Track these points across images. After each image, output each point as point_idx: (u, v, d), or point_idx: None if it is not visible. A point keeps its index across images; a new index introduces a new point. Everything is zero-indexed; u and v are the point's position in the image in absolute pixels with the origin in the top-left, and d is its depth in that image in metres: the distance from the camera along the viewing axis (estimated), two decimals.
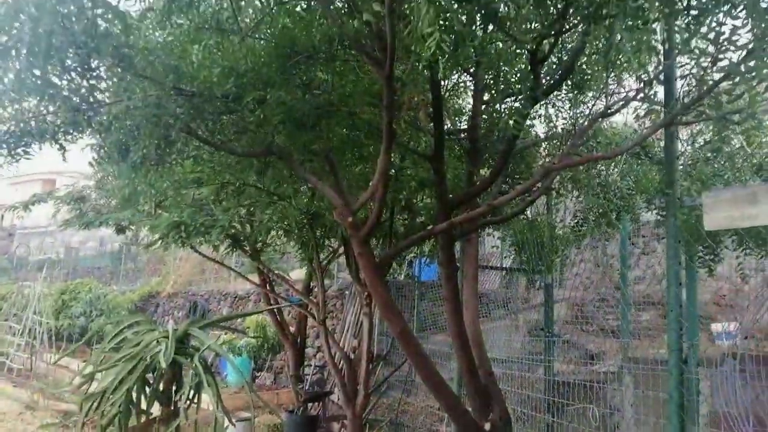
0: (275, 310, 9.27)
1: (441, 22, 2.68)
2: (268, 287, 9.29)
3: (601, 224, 5.92)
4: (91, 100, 3.39)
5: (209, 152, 4.71)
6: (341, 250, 8.37)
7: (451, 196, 4.58)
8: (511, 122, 3.69)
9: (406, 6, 2.90)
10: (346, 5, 3.40)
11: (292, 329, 9.78)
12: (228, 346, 12.11)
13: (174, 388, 6.62)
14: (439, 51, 2.65)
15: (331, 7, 3.50)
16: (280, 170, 5.01)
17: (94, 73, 3.27)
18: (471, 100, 6.03)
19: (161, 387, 6.53)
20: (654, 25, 2.54)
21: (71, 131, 3.73)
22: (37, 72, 2.96)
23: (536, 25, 3.22)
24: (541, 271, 6.74)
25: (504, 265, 9.97)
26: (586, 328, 9.29)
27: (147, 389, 6.36)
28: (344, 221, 3.97)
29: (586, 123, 4.31)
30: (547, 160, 5.80)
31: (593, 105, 4.64)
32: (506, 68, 4.67)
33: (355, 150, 5.50)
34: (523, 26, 3.13)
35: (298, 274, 12.87)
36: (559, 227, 6.56)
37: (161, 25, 3.54)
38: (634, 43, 2.30)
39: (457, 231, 4.48)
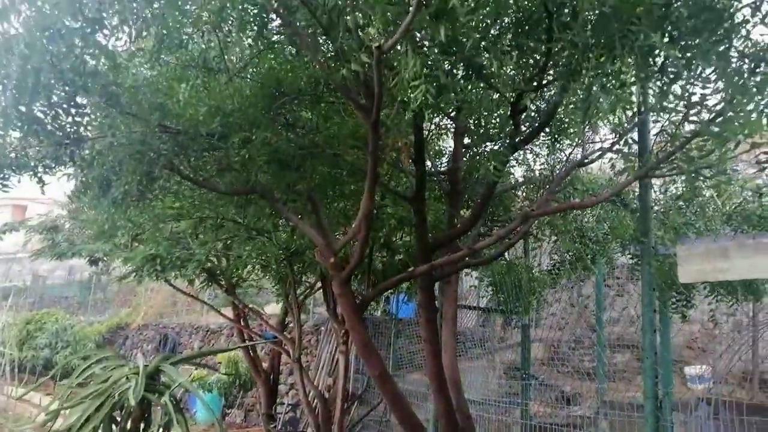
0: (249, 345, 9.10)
1: (426, 72, 2.77)
2: (242, 322, 9.14)
3: (577, 267, 6.02)
4: (75, 135, 3.38)
5: (190, 187, 4.70)
6: (318, 285, 8.32)
7: (431, 237, 4.62)
8: (491, 168, 3.78)
9: (392, 55, 2.98)
10: (333, 52, 3.48)
11: (265, 365, 9.60)
12: (199, 383, 11.79)
13: (142, 426, 6.41)
14: (424, 101, 2.74)
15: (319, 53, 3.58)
16: (261, 207, 5.01)
17: (80, 110, 3.26)
18: (451, 143, 6.17)
19: (129, 425, 6.31)
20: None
21: (53, 165, 3.70)
22: (23, 108, 2.95)
23: (517, 78, 3.34)
24: (518, 312, 6.79)
25: (481, 305, 10.00)
26: (561, 369, 9.32)
27: (114, 427, 6.14)
28: (326, 262, 3.97)
29: (563, 169, 4.43)
30: (525, 203, 5.92)
31: (570, 152, 4.78)
32: (487, 114, 4.80)
33: (336, 187, 5.54)
34: (504, 78, 3.24)
35: (273, 308, 12.70)
36: (536, 269, 6.65)
37: (150, 64, 3.57)
38: (610, 102, 2.40)
39: (437, 273, 4.51)
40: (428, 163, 6.30)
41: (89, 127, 3.57)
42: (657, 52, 2.45)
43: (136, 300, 19.00)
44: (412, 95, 2.75)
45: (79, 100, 3.26)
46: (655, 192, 4.66)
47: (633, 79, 2.31)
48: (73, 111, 3.24)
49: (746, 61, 2.90)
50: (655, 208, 4.71)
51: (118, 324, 18.34)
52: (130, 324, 18.01)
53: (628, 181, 3.39)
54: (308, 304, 12.29)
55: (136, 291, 18.98)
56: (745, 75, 2.72)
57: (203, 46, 4.22)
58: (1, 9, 2.58)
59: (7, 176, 3.71)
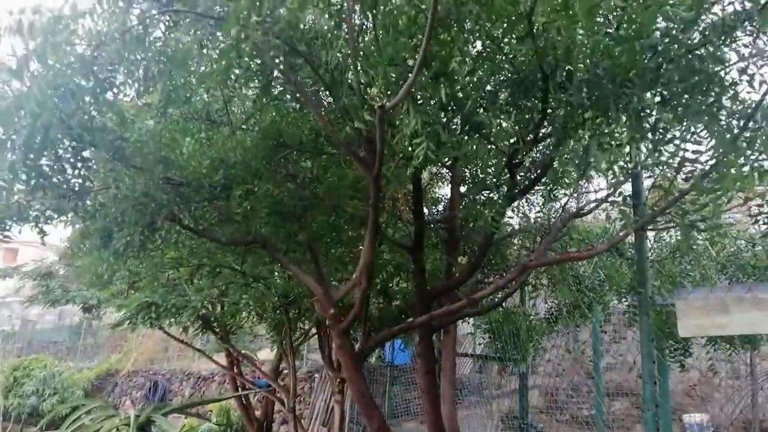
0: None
1: (426, 130, 2.86)
2: (235, 369, 8.99)
3: (574, 315, 6.03)
4: (79, 188, 3.42)
5: (190, 237, 4.72)
6: (314, 331, 8.25)
7: (429, 287, 4.64)
8: (488, 219, 3.84)
9: (393, 113, 3.08)
10: (335, 108, 3.58)
11: (257, 413, 9.39)
12: None
13: None
14: (426, 157, 2.82)
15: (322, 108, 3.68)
16: (260, 256, 5.03)
17: (86, 164, 3.32)
18: (448, 190, 6.26)
19: None
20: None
21: (55, 216, 3.72)
22: (30, 162, 3.00)
23: (513, 133, 3.43)
24: (515, 360, 6.74)
25: (477, 351, 9.92)
26: (560, 417, 9.17)
27: None
28: (325, 313, 3.97)
29: (559, 220, 4.49)
30: (522, 252, 5.97)
31: (566, 202, 4.86)
32: (483, 164, 4.91)
33: (335, 234, 5.58)
34: (501, 133, 3.33)
35: (266, 353, 12.51)
36: (533, 316, 6.64)
37: (156, 119, 3.65)
38: (606, 162, 2.48)
39: (436, 323, 4.51)
40: (425, 210, 6.38)
41: (94, 180, 3.61)
42: (650, 112, 2.54)
43: (126, 345, 18.68)
44: (414, 152, 2.83)
45: (85, 154, 3.32)
46: (650, 241, 4.73)
47: (627, 138, 2.40)
48: (79, 165, 3.29)
49: (736, 118, 3.02)
50: (651, 256, 4.77)
51: (108, 370, 17.97)
52: (120, 370, 17.64)
53: (623, 236, 3.45)
54: (302, 349, 12.13)
55: (127, 336, 18.67)
56: (735, 133, 2.83)
57: (207, 99, 4.34)
58: (15, 68, 2.66)
59: (8, 227, 3.73)
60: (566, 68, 2.79)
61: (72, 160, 3.25)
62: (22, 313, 24.92)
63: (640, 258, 3.98)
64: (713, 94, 2.62)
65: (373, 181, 3.32)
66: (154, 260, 5.23)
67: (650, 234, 5.07)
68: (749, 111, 2.96)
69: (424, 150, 2.77)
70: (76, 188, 3.43)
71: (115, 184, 3.56)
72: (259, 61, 3.47)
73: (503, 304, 6.51)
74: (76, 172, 3.34)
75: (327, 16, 3.60)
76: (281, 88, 3.90)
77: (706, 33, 2.54)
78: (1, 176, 3.02)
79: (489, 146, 3.86)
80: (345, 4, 3.27)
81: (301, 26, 3.18)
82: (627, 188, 4.25)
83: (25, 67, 2.81)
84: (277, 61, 3.25)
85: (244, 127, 4.43)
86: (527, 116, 3.17)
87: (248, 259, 5.26)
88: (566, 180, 4.79)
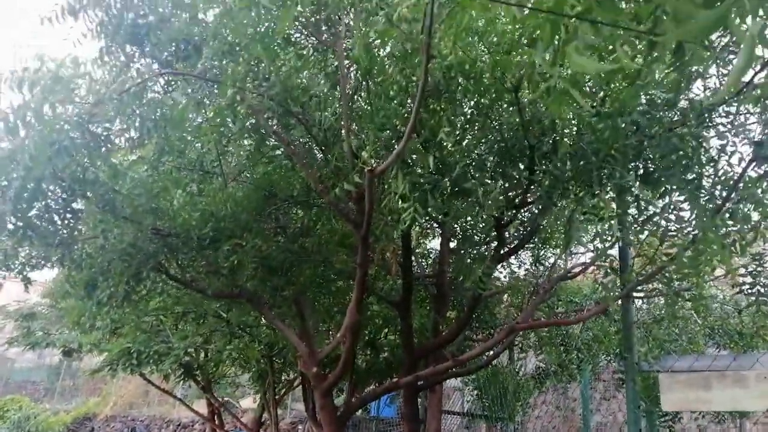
0: None
1: (414, 194, 2.90)
2: (216, 420, 8.76)
3: (562, 375, 5.97)
4: (67, 238, 3.42)
5: (176, 287, 4.69)
6: (297, 381, 8.09)
7: (417, 344, 4.60)
8: (477, 279, 3.85)
9: (383, 177, 3.13)
10: (327, 166, 3.64)
11: None
12: None
13: None
14: (414, 220, 2.85)
15: (314, 166, 3.74)
16: (246, 309, 4.99)
17: (76, 215, 3.32)
18: (437, 243, 6.28)
19: None
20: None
21: (42, 264, 3.71)
22: (19, 213, 3.00)
23: (500, 198, 3.49)
24: (503, 418, 6.61)
25: (464, 407, 9.72)
26: None
27: None
28: (308, 371, 3.91)
29: (547, 281, 4.51)
30: (511, 309, 5.95)
31: (554, 262, 4.89)
32: (472, 222, 4.95)
33: (323, 286, 5.55)
34: (488, 198, 3.38)
35: (249, 402, 12.19)
36: (521, 374, 6.57)
37: (148, 171, 3.68)
38: (590, 233, 2.52)
39: (422, 383, 4.45)
40: (415, 263, 6.38)
41: (82, 230, 3.62)
42: (631, 187, 2.60)
43: (106, 389, 18.16)
44: (402, 215, 2.87)
45: (75, 205, 3.33)
46: (637, 305, 4.74)
47: (607, 213, 2.44)
48: (68, 216, 3.30)
49: (717, 189, 3.09)
50: (639, 319, 4.77)
51: (86, 414, 17.40)
52: (98, 414, 17.09)
53: (601, 308, 3.47)
54: (286, 398, 11.85)
55: (106, 379, 18.18)
56: (715, 207, 2.89)
57: (201, 150, 4.39)
58: (11, 126, 2.70)
59: None
60: (551, 139, 2.87)
61: (62, 211, 3.25)
62: (1, 352, 24.31)
63: (626, 324, 3.97)
64: (693, 170, 2.70)
65: (361, 240, 3.35)
66: (138, 308, 5.16)
67: (638, 297, 5.08)
68: (731, 183, 3.04)
69: (412, 214, 2.81)
70: (64, 238, 3.43)
71: (103, 234, 3.56)
72: (253, 120, 3.55)
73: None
74: (65, 222, 3.34)
75: (322, 76, 3.72)
76: (274, 144, 3.97)
77: (686, 112, 2.63)
78: None
79: (477, 209, 3.91)
80: (339, 69, 3.38)
81: (296, 89, 3.27)
82: (614, 251, 4.30)
83: (21, 121, 2.85)
84: (270, 121, 3.33)
85: (237, 178, 4.47)
86: (514, 182, 3.23)
87: (234, 308, 5.20)
88: (554, 241, 4.84)
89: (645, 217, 2.55)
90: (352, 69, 3.65)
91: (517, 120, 2.78)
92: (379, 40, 2.78)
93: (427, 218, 4.71)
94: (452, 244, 5.97)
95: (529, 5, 1.17)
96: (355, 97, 3.59)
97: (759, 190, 2.99)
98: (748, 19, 0.77)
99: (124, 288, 3.88)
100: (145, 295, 4.30)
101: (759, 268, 3.24)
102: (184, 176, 4.42)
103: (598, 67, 1.20)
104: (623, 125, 2.58)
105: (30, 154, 2.79)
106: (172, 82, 3.59)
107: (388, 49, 3.08)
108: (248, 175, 4.49)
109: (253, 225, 4.07)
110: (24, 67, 2.96)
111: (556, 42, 1.26)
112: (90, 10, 3.71)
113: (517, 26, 2.38)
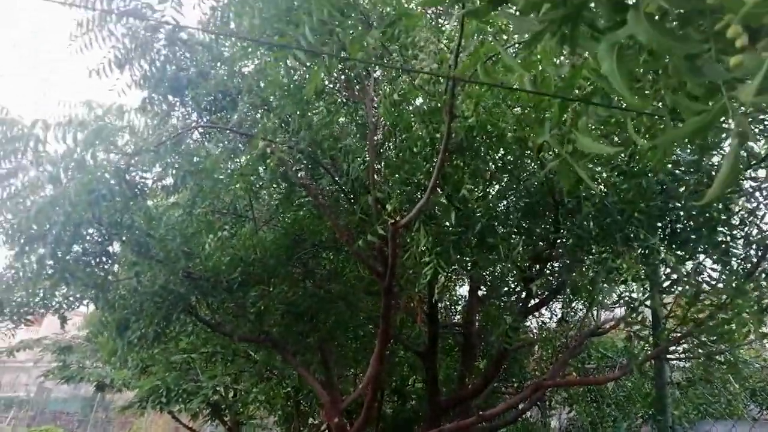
0: None
1: (437, 249, 2.92)
2: None
3: None
4: (102, 280, 3.55)
5: (205, 329, 4.77)
6: (324, 426, 7.99)
7: (443, 396, 4.52)
8: (504, 333, 3.79)
9: (406, 231, 3.16)
10: (353, 214, 3.69)
11: None
12: None
13: None
14: (436, 274, 2.86)
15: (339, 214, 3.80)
16: (271, 353, 5.02)
17: (111, 258, 3.46)
18: (466, 290, 6.21)
19: None
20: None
21: (77, 305, 3.85)
22: (58, 256, 3.14)
23: (525, 255, 3.46)
24: None
25: None
26: None
27: None
28: (330, 421, 3.89)
29: (576, 336, 4.40)
30: (540, 362, 5.80)
31: (584, 316, 4.77)
32: (499, 274, 4.89)
33: (350, 331, 5.54)
34: (513, 255, 3.36)
35: None
36: (552, 431, 6.33)
37: (182, 216, 3.81)
38: (615, 294, 2.47)
39: None
40: (443, 309, 6.32)
41: (116, 272, 3.75)
42: (656, 250, 2.55)
43: (137, 423, 18.28)
44: (424, 269, 2.88)
45: (110, 249, 3.47)
46: (671, 365, 4.56)
47: (631, 276, 2.40)
48: (104, 258, 3.43)
49: (750, 250, 2.99)
50: (672, 380, 4.57)
51: None
52: None
53: (643, 360, 3.36)
54: None
55: (137, 414, 18.31)
56: (747, 270, 2.80)
57: (234, 195, 4.52)
58: (54, 174, 2.86)
59: (33, 313, 3.85)
60: (576, 198, 2.85)
61: (98, 254, 3.39)
62: (38, 379, 24.84)
63: (659, 384, 3.83)
64: (722, 233, 2.64)
65: (384, 291, 3.36)
66: (168, 347, 5.26)
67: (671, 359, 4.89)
68: (765, 244, 2.94)
69: (434, 267, 2.82)
70: (99, 280, 3.56)
71: (137, 276, 3.68)
72: (283, 169, 3.65)
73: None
74: (101, 265, 3.47)
75: (352, 127, 3.82)
76: (303, 194, 4.06)
77: (712, 174, 2.59)
78: (29, 268, 3.17)
79: (502, 262, 3.88)
80: (367, 122, 3.48)
81: (326, 140, 3.37)
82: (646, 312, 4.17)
83: (63, 170, 3.02)
84: (299, 173, 3.43)
85: (268, 223, 4.58)
86: (538, 239, 3.22)
87: (261, 350, 5.24)
88: (583, 294, 4.73)
89: (672, 280, 2.49)
90: (380, 121, 3.75)
91: (541, 177, 2.78)
92: (403, 99, 2.86)
93: (454, 268, 4.69)
94: (481, 292, 5.91)
95: (535, 89, 1.20)
96: (383, 148, 3.67)
97: None
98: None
99: (155, 329, 3.97)
100: (175, 336, 4.38)
101: None
102: (217, 219, 4.56)
103: (604, 148, 1.21)
104: (648, 186, 2.56)
105: (70, 200, 2.94)
106: (208, 133, 3.75)
107: (413, 105, 3.16)
108: (279, 219, 4.60)
109: (281, 270, 4.14)
110: (70, 116, 3.16)
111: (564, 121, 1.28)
112: (136, 62, 3.95)
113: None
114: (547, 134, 1.26)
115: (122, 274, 3.84)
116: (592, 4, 1.02)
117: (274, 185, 3.87)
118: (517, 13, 1.17)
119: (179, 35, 3.85)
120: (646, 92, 1.53)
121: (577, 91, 1.40)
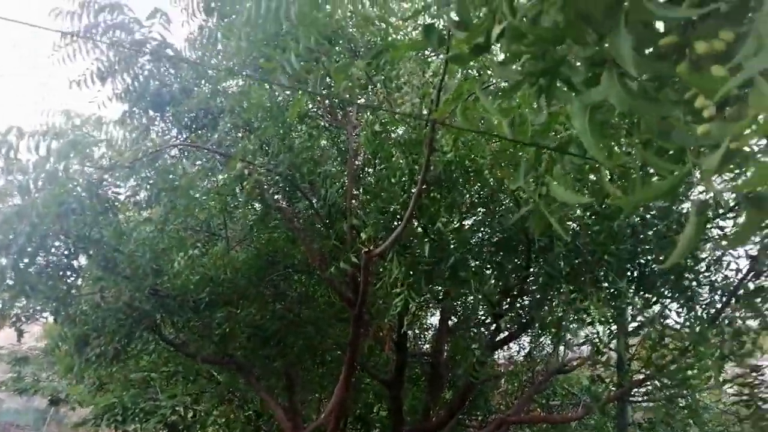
0: None
1: (409, 280, 2.92)
2: None
3: None
4: (64, 294, 3.45)
5: (167, 348, 4.65)
6: None
7: (407, 428, 4.48)
8: (471, 366, 3.78)
9: (379, 261, 3.16)
10: (327, 238, 3.68)
11: None
12: None
13: None
14: (406, 305, 2.86)
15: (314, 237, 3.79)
16: (235, 374, 4.92)
17: (75, 272, 3.37)
18: (436, 320, 6.19)
19: None
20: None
21: (36, 318, 3.73)
22: (20, 268, 3.05)
23: (497, 286, 3.49)
24: None
25: None
26: None
27: None
28: None
29: (542, 372, 4.42)
30: (506, 395, 5.80)
31: (550, 355, 4.80)
32: (470, 305, 4.91)
33: (317, 356, 5.46)
34: (485, 288, 3.38)
35: None
36: None
37: (154, 232, 3.75)
38: (581, 336, 2.50)
39: None
40: (412, 337, 6.28)
41: (80, 286, 3.65)
42: (623, 293, 2.60)
43: None
44: (394, 300, 2.88)
45: (75, 263, 3.38)
46: (632, 407, 4.60)
47: (598, 318, 2.44)
48: (68, 272, 3.34)
49: (715, 296, 3.07)
50: (633, 421, 4.62)
51: None
52: None
53: (606, 400, 3.39)
54: None
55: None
56: (710, 316, 2.87)
57: (209, 213, 4.47)
58: (23, 184, 2.79)
59: None
60: (548, 236, 2.90)
61: (62, 267, 3.30)
62: None
63: (621, 424, 3.86)
64: (688, 278, 2.70)
65: (353, 319, 3.34)
66: (128, 365, 5.12)
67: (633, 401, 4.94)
68: (730, 290, 3.02)
69: (405, 298, 2.82)
70: (61, 294, 3.46)
71: (101, 292, 3.59)
72: (258, 191, 3.63)
73: None
74: (64, 279, 3.38)
75: (333, 151, 3.84)
76: (278, 216, 4.04)
77: (681, 221, 2.67)
78: None
79: (475, 295, 3.90)
80: (348, 148, 3.50)
81: (306, 164, 3.37)
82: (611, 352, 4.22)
83: (33, 181, 2.95)
84: (276, 195, 3.41)
85: (241, 242, 4.53)
86: (510, 274, 3.25)
87: (225, 371, 5.13)
88: (551, 331, 4.77)
89: (638, 323, 2.54)
90: (361, 148, 3.77)
91: (515, 217, 2.82)
92: (384, 130, 2.89)
93: (425, 296, 4.69)
94: (451, 323, 5.90)
95: (509, 137, 1.23)
96: (362, 174, 3.69)
97: (758, 300, 2.98)
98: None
99: (115, 346, 3.86)
100: (136, 354, 4.26)
101: (756, 381, 3.16)
102: (189, 236, 4.49)
103: (577, 198, 1.24)
104: (619, 229, 2.61)
105: (38, 212, 2.87)
106: (186, 151, 3.72)
107: (395, 134, 3.19)
108: (252, 239, 4.55)
109: (251, 291, 4.08)
110: (47, 124, 3.11)
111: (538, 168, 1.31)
112: (119, 75, 3.91)
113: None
114: (521, 180, 1.28)
115: (86, 289, 3.74)
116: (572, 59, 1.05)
117: (250, 206, 3.84)
118: (498, 62, 1.20)
119: (165, 51, 3.84)
120: (621, 141, 1.58)
121: (553, 134, 1.44)
